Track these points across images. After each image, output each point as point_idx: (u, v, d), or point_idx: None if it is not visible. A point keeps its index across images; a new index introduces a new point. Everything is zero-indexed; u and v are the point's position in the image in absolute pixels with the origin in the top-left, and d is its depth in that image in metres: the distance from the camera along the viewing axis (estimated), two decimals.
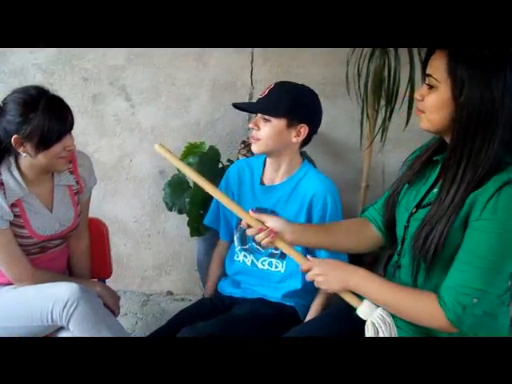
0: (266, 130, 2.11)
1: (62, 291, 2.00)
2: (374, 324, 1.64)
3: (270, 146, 2.13)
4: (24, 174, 2.06)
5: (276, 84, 2.15)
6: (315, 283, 1.73)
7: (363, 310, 1.67)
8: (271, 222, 1.79)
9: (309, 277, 1.74)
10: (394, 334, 1.64)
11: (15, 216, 2.05)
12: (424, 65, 1.64)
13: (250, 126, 2.16)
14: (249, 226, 1.80)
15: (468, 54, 1.50)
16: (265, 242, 1.77)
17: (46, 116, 1.93)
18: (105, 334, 1.98)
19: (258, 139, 2.12)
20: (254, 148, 2.16)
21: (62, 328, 2.03)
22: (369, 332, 1.65)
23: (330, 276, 1.70)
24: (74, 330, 1.98)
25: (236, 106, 2.26)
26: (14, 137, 1.95)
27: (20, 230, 2.07)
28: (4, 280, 2.14)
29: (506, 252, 1.50)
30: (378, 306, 1.65)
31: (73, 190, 2.22)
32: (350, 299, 1.70)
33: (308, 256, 1.78)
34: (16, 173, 2.04)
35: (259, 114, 2.14)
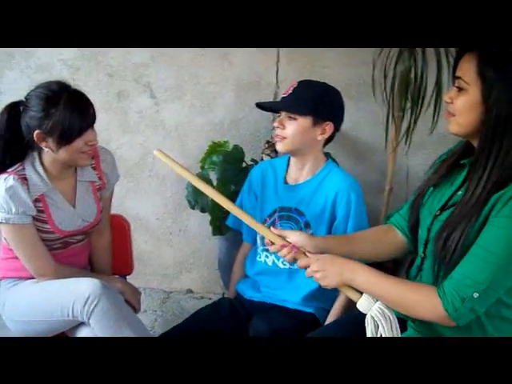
0: (291, 129, 2.10)
1: (84, 287, 2.00)
2: (373, 318, 1.64)
3: (295, 144, 2.13)
4: (47, 169, 2.08)
5: (300, 82, 2.15)
6: (314, 279, 1.74)
7: (363, 304, 1.67)
8: (293, 236, 1.80)
9: (308, 273, 1.74)
10: (395, 327, 1.64)
11: (38, 211, 2.06)
12: (453, 67, 1.64)
13: (275, 124, 2.14)
14: (271, 243, 1.82)
15: (497, 55, 1.51)
16: (288, 258, 1.78)
17: (67, 111, 1.94)
18: (125, 330, 1.98)
19: (284, 138, 2.12)
20: (280, 147, 2.15)
21: (81, 323, 2.03)
22: (369, 326, 1.65)
23: (328, 271, 1.70)
24: (94, 326, 1.97)
25: (260, 105, 2.26)
26: (36, 132, 1.96)
27: (43, 224, 2.08)
28: (26, 274, 2.15)
29: None
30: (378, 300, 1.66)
31: (95, 186, 2.23)
32: (350, 293, 1.71)
33: (307, 253, 1.79)
34: (40, 168, 2.06)
35: (284, 113, 2.13)
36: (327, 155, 2.66)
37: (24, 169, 2.04)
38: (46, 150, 2.01)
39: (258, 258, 2.32)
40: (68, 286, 2.05)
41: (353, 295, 1.70)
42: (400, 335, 1.66)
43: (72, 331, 2.09)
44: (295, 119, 2.10)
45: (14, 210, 1.98)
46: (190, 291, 3.45)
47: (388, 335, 1.62)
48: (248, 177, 2.40)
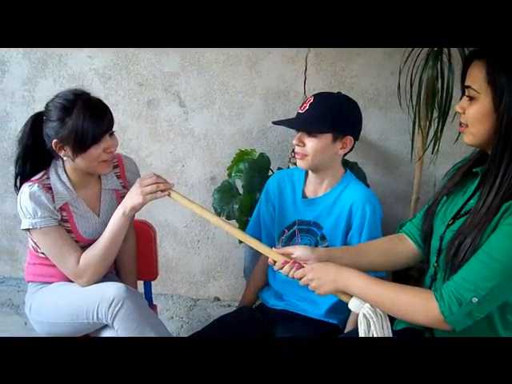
0: (311, 146, 2.08)
1: (109, 290, 2.02)
2: (365, 315, 1.65)
3: (317, 161, 2.11)
4: (70, 177, 2.10)
5: (315, 97, 2.12)
6: (309, 288, 1.75)
7: (354, 304, 1.68)
8: (297, 251, 1.82)
9: (303, 282, 1.75)
10: (386, 324, 1.65)
11: (63, 220, 2.08)
12: (462, 77, 1.62)
13: (294, 142, 2.11)
14: (274, 262, 1.84)
15: (506, 60, 1.49)
16: (291, 275, 1.79)
17: (80, 118, 1.95)
18: (148, 333, 2.00)
19: (305, 155, 2.10)
20: (302, 164, 2.14)
21: (105, 326, 2.06)
22: (361, 324, 1.65)
23: (323, 279, 1.72)
24: (118, 329, 2.00)
25: (277, 123, 2.24)
26: (53, 141, 1.99)
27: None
28: (52, 280, 2.19)
29: None
30: None
31: (120, 194, 2.24)
32: (343, 297, 1.72)
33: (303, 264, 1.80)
34: (64, 176, 2.09)
35: (302, 130, 2.11)
36: (353, 166, 2.67)
37: (48, 178, 2.08)
38: (65, 158, 2.04)
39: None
40: (93, 290, 2.07)
41: (346, 298, 1.72)
42: (391, 333, 1.66)
43: (95, 334, 2.12)
44: (315, 136, 2.07)
45: (39, 213, 2.01)
46: (217, 299, 3.46)
47: (379, 332, 1.63)
48: (265, 187, 2.40)
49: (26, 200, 2.01)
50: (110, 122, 2.05)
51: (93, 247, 2.11)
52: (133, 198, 2.05)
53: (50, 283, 2.20)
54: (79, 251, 2.10)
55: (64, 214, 2.09)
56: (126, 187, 2.25)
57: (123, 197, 2.17)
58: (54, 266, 2.14)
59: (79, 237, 2.13)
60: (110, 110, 2.06)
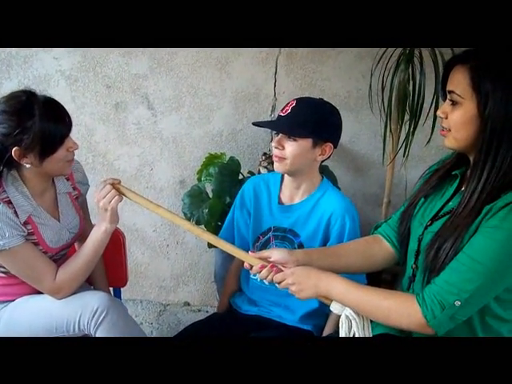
0: (291, 150, 2.05)
1: (91, 299, 1.98)
2: (347, 317, 1.64)
3: (295, 165, 2.08)
4: (29, 186, 1.98)
5: (297, 101, 2.08)
6: (289, 291, 1.72)
7: (335, 306, 1.67)
8: (274, 255, 1.78)
9: (282, 286, 1.72)
10: (367, 325, 1.64)
11: (28, 234, 1.97)
12: (443, 81, 1.61)
13: (274, 144, 2.08)
14: (251, 267, 1.79)
15: (491, 65, 1.48)
16: (269, 279, 1.75)
17: (45, 120, 1.84)
18: None
19: (283, 158, 2.07)
20: (279, 168, 2.10)
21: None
22: (343, 326, 1.64)
23: (304, 284, 1.69)
24: None
25: (258, 124, 2.21)
26: (14, 150, 1.85)
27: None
28: (18, 297, 2.09)
29: (505, 264, 1.46)
30: None
31: (73, 196, 2.18)
32: (323, 299, 1.70)
33: (282, 267, 1.76)
34: (23, 188, 1.96)
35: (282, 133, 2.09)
36: (324, 169, 2.65)
37: (4, 191, 1.92)
38: (28, 165, 1.90)
39: (252, 276, 2.28)
40: (74, 300, 2.01)
41: (327, 301, 1.69)
42: (371, 334, 1.65)
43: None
44: (295, 140, 2.05)
45: (7, 233, 1.88)
46: (187, 304, 3.43)
47: (361, 333, 1.62)
48: (240, 192, 2.36)
49: None
50: (70, 120, 1.95)
51: (72, 262, 2.04)
52: (104, 217, 1.99)
53: (12, 300, 2.09)
54: (53, 266, 2.02)
55: (28, 227, 1.97)
56: (76, 188, 2.19)
57: (76, 198, 2.13)
58: (17, 284, 2.04)
59: (46, 247, 2.03)
60: (65, 109, 1.96)
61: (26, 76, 3.09)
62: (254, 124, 2.21)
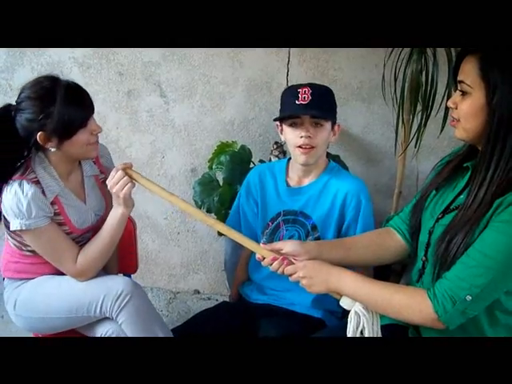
0: (320, 136, 2.08)
1: (115, 283, 2.02)
2: (356, 313, 1.64)
3: (320, 151, 2.12)
4: (56, 168, 2.05)
5: (312, 87, 2.07)
6: (300, 285, 1.73)
7: (345, 301, 1.68)
8: (286, 247, 1.78)
9: (293, 278, 1.73)
10: (377, 322, 1.65)
11: (55, 214, 2.03)
12: (454, 71, 1.61)
13: (303, 134, 2.05)
14: (263, 258, 1.80)
15: (500, 56, 1.48)
16: (280, 271, 1.75)
17: (66, 105, 1.90)
18: (157, 332, 2.01)
19: (313, 147, 2.07)
20: (310, 159, 2.10)
21: (102, 319, 2.05)
22: (352, 321, 1.65)
23: (315, 278, 1.70)
24: (123, 323, 1.99)
25: (284, 117, 2.14)
26: (39, 134, 1.92)
27: (61, 227, 2.06)
28: (38, 275, 2.14)
29: None
30: None
31: (99, 179, 2.23)
32: (333, 294, 1.71)
33: (293, 260, 1.77)
34: (50, 169, 2.03)
35: (308, 120, 2.06)
36: (335, 158, 2.65)
37: (33, 172, 1.99)
38: (53, 149, 1.98)
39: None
40: (97, 283, 2.05)
41: (337, 295, 1.71)
42: (380, 332, 1.65)
43: (85, 328, 2.11)
44: (322, 125, 2.07)
45: (34, 213, 1.94)
46: (197, 292, 3.44)
47: (370, 330, 1.63)
48: (245, 182, 2.37)
49: (18, 199, 1.93)
50: (92, 103, 2.02)
51: (91, 245, 2.08)
52: (119, 202, 2.01)
53: (32, 278, 2.14)
54: (75, 248, 2.07)
55: (55, 207, 2.03)
56: (103, 172, 2.23)
57: (103, 182, 2.15)
58: (40, 263, 2.10)
59: (73, 228, 2.08)
60: (87, 92, 2.02)
61: (39, 63, 3.10)
62: (275, 120, 2.18)
